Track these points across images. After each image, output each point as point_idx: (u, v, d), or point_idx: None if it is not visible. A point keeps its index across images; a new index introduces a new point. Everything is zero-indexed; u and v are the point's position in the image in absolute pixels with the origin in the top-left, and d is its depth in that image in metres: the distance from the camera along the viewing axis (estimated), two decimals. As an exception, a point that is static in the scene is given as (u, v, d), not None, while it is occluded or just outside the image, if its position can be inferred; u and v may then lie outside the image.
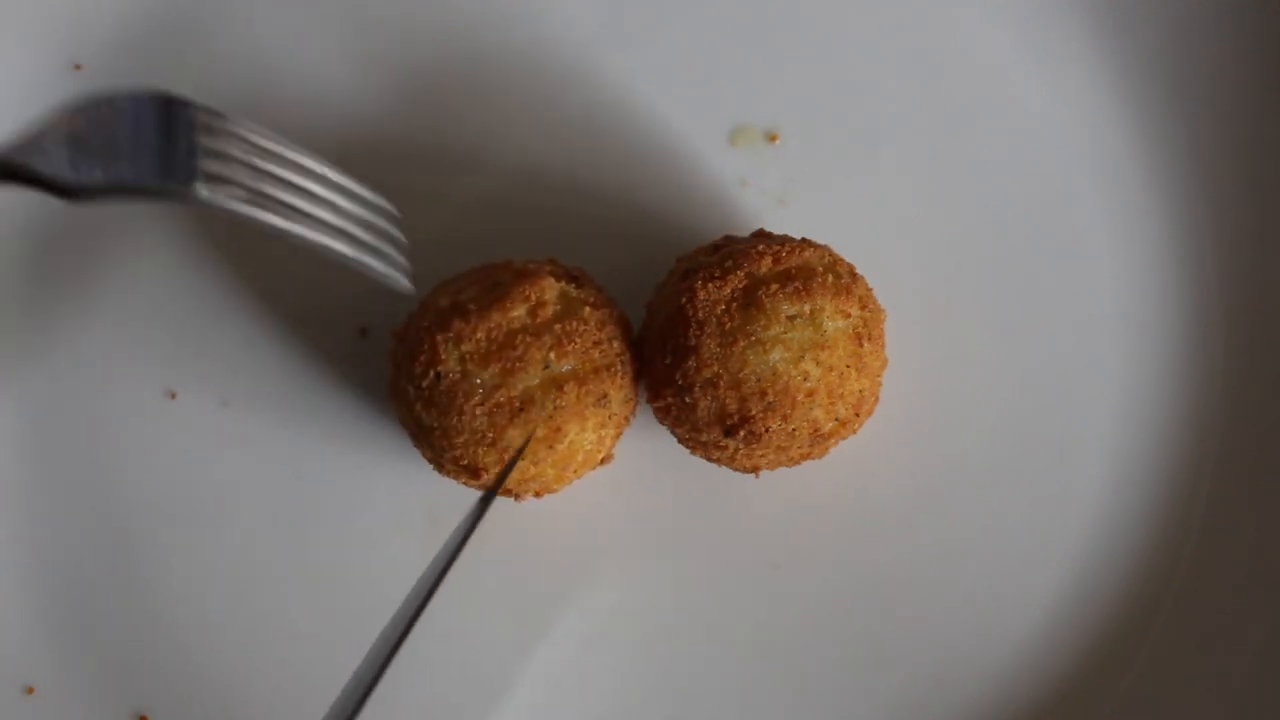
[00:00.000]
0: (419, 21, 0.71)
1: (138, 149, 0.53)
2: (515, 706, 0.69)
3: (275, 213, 0.57)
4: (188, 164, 0.54)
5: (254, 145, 0.58)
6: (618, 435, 0.64)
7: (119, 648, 0.69)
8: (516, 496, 0.64)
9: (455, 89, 0.71)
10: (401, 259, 0.63)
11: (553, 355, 0.61)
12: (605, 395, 0.62)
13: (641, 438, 0.68)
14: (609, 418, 0.62)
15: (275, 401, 0.70)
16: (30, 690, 0.69)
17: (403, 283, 0.63)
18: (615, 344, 0.63)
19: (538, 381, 0.61)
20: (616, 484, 0.69)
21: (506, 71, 0.71)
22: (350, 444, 0.69)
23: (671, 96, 0.71)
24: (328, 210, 0.60)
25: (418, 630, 0.69)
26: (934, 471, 0.70)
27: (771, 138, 0.71)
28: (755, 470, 0.65)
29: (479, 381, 0.61)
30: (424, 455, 0.64)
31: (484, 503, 0.65)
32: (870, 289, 0.65)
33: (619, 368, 0.63)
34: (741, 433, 0.61)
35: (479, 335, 0.61)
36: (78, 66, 0.70)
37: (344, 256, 0.60)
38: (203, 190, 0.54)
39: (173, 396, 0.70)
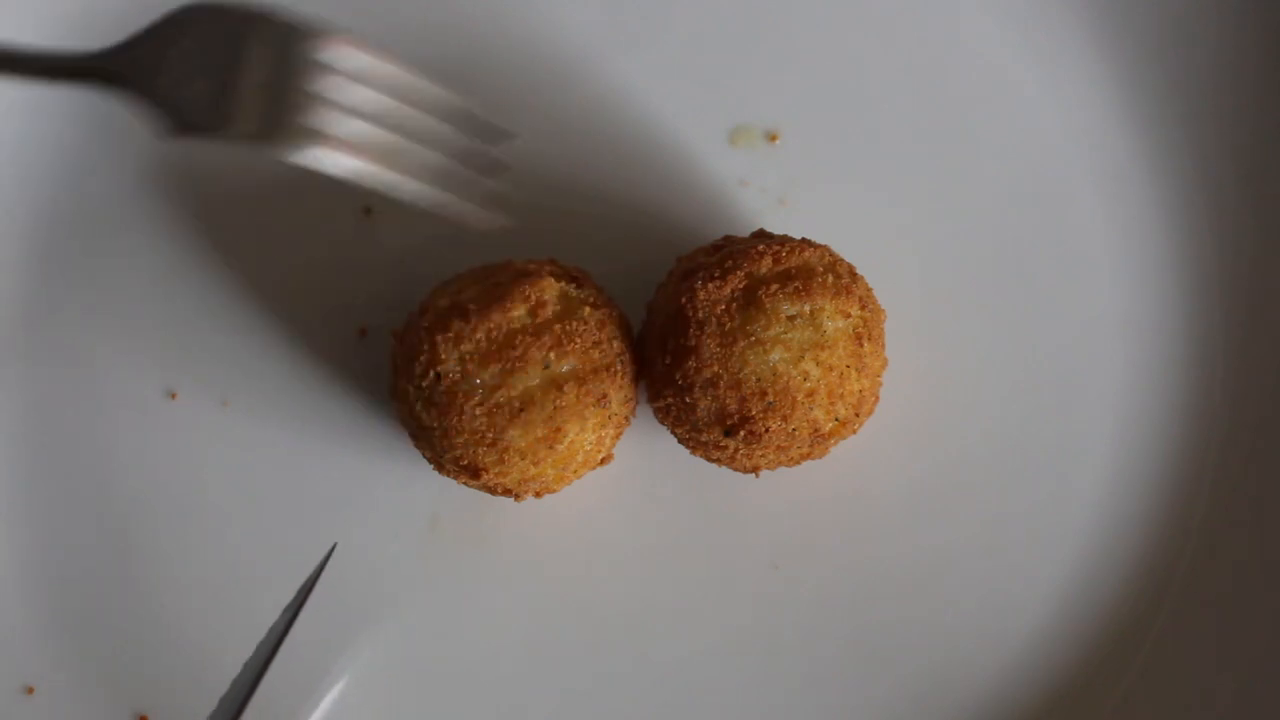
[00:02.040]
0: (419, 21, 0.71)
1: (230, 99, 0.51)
2: (514, 707, 0.69)
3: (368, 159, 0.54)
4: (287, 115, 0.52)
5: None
6: (618, 435, 0.64)
7: (119, 648, 0.69)
8: (516, 496, 0.64)
9: (455, 89, 0.70)
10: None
11: (553, 355, 0.61)
12: (605, 395, 0.62)
13: (641, 438, 0.68)
14: (609, 418, 0.62)
15: (275, 401, 0.70)
16: (30, 690, 0.69)
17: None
18: (615, 344, 0.63)
19: (538, 381, 0.61)
20: (616, 484, 0.69)
21: (506, 71, 0.71)
22: (350, 444, 0.69)
23: (671, 96, 0.71)
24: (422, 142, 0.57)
25: (417, 630, 0.69)
26: (934, 471, 0.70)
27: (771, 138, 0.71)
28: (755, 470, 0.65)
29: (479, 381, 0.61)
30: (424, 455, 0.64)
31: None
32: (870, 289, 0.64)
33: (619, 368, 0.63)
34: (741, 433, 0.61)
35: (479, 335, 0.61)
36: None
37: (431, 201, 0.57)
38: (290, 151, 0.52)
39: (173, 396, 0.70)
